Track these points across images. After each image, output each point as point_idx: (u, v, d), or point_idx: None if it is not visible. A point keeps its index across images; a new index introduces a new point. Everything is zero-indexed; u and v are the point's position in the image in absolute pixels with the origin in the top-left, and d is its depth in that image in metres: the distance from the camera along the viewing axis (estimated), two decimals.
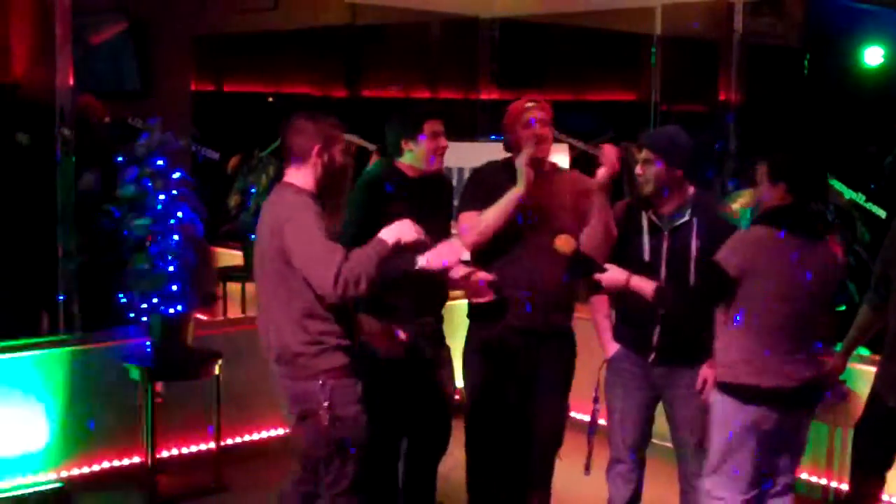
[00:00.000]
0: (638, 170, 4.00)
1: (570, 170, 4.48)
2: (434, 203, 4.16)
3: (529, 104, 4.18)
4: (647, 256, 4.00)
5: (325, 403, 3.53)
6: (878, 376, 4.09)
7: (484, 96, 6.99)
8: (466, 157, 6.04)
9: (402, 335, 4.00)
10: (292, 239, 3.46)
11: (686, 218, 4.00)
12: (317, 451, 3.61)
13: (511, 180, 4.10)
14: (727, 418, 3.75)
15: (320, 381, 3.54)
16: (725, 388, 3.75)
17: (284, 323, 3.57)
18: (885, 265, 4.07)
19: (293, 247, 3.46)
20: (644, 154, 3.99)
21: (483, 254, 4.13)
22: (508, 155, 4.22)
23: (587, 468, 4.22)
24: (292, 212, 3.50)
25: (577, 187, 4.22)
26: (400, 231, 3.54)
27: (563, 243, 3.88)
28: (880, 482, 4.11)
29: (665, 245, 3.99)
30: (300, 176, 3.64)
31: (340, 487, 3.60)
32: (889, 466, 4.11)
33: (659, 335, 3.99)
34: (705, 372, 3.96)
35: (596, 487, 4.29)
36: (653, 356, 4.02)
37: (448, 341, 4.30)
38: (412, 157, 4.09)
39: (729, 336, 3.74)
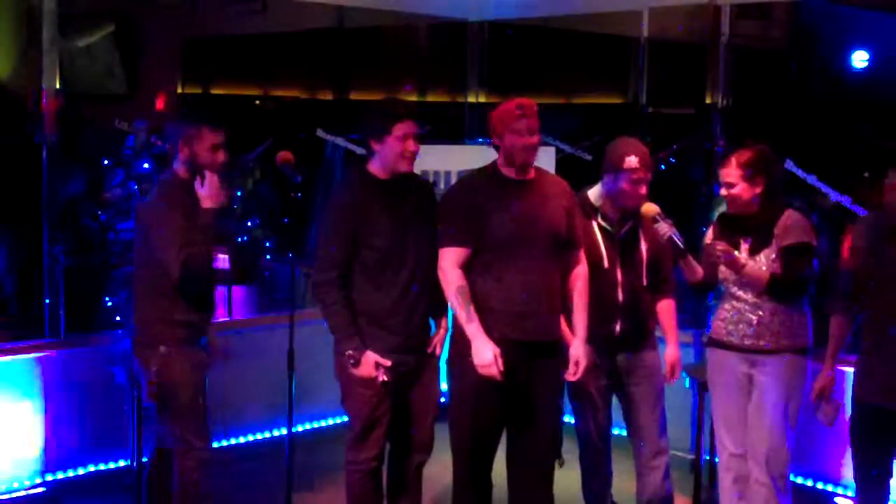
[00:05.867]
0: (644, 190, 4.17)
1: (546, 171, 4.24)
2: (414, 206, 4.07)
3: (520, 111, 3.94)
4: (606, 263, 4.21)
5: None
6: (863, 376, 4.06)
7: (472, 99, 6.99)
8: (454, 159, 6.05)
9: (383, 376, 3.99)
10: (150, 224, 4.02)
11: (631, 223, 4.26)
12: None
13: (496, 189, 3.96)
14: (805, 377, 4.17)
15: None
16: (808, 351, 4.19)
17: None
18: (863, 266, 4.02)
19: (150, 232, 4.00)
20: (650, 175, 4.19)
21: (475, 263, 3.96)
22: (492, 160, 4.08)
23: (560, 462, 4.48)
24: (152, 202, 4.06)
25: (562, 189, 4.14)
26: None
27: (647, 209, 4.10)
28: (884, 488, 4.05)
29: (618, 251, 4.24)
30: (181, 168, 4.07)
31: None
32: (890, 471, 4.03)
33: (621, 327, 4.22)
34: (671, 357, 4.35)
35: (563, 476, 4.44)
36: (616, 347, 4.25)
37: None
38: (381, 159, 4.01)
39: None
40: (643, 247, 4.27)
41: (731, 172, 4.11)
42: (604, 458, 4.40)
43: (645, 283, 4.29)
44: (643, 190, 4.16)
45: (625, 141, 4.22)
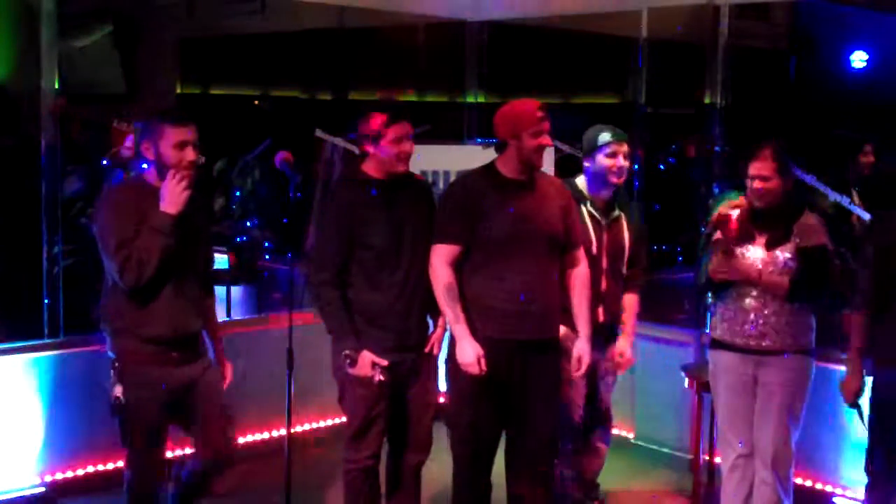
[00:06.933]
0: (623, 161, 4.40)
1: (542, 171, 4.22)
2: (410, 205, 4.07)
3: (541, 112, 3.96)
4: (594, 250, 4.35)
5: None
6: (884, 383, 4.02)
7: (471, 99, 6.99)
8: (453, 160, 6.05)
9: (380, 376, 3.97)
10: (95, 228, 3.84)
11: (617, 212, 4.47)
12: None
13: (493, 189, 3.98)
14: (810, 377, 4.21)
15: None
16: (812, 351, 4.22)
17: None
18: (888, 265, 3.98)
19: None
20: (626, 147, 4.42)
21: (471, 262, 3.98)
22: (490, 159, 4.09)
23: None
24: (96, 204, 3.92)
25: (559, 189, 4.17)
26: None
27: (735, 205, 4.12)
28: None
29: (605, 238, 4.42)
30: (149, 170, 3.86)
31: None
32: None
33: (604, 315, 4.41)
34: (622, 349, 4.55)
35: None
36: (598, 335, 4.35)
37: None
38: (376, 161, 4.02)
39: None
40: (626, 236, 4.47)
41: (766, 165, 4.07)
42: (582, 440, 4.63)
43: (625, 271, 4.51)
44: (623, 161, 4.40)
45: (596, 126, 4.47)
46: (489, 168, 4.07)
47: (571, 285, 4.15)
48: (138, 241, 3.68)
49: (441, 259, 3.98)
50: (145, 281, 3.70)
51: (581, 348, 4.12)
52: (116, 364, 3.84)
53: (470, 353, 3.90)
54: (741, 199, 4.15)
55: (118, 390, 3.84)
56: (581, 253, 4.18)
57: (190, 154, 3.77)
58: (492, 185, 4.00)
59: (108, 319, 3.88)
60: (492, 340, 3.95)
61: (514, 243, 3.95)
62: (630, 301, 4.62)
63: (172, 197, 3.71)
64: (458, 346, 3.94)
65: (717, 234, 4.21)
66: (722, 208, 4.15)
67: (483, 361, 3.91)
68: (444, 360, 4.16)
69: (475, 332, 3.95)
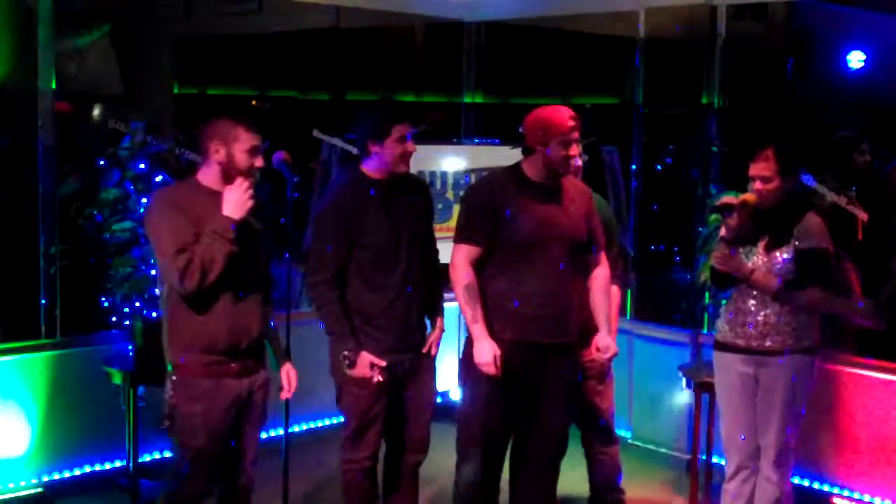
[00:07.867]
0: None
1: (569, 175, 4.17)
2: (408, 205, 4.07)
3: (572, 122, 3.89)
4: None
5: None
6: None
7: (469, 100, 6.99)
8: (451, 160, 6.05)
9: (378, 377, 3.97)
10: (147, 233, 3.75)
11: None
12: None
13: (518, 191, 3.93)
14: (812, 377, 4.19)
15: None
16: (815, 351, 4.19)
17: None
18: None
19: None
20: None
21: (492, 263, 3.95)
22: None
23: None
24: (149, 206, 3.75)
25: (582, 192, 4.13)
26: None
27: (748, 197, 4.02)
28: None
29: None
30: (205, 173, 3.70)
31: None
32: None
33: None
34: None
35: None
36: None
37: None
38: (378, 160, 4.01)
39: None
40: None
41: (767, 166, 4.04)
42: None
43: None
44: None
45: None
46: (515, 169, 4.03)
47: (593, 284, 4.12)
48: (199, 246, 3.52)
49: (462, 259, 3.95)
50: (207, 285, 3.55)
51: (603, 339, 4.10)
52: (174, 377, 3.69)
53: (487, 353, 3.87)
54: (749, 195, 4.12)
55: (172, 401, 3.69)
56: (602, 255, 4.15)
57: (260, 161, 3.68)
58: (517, 188, 3.97)
59: (167, 331, 3.73)
60: (508, 342, 3.93)
61: (535, 247, 3.93)
62: (611, 292, 4.40)
63: (237, 203, 3.58)
64: (475, 345, 3.90)
65: (723, 231, 4.19)
66: (726, 198, 4.13)
67: (499, 361, 3.88)
68: (459, 362, 4.13)
69: (493, 334, 3.92)
